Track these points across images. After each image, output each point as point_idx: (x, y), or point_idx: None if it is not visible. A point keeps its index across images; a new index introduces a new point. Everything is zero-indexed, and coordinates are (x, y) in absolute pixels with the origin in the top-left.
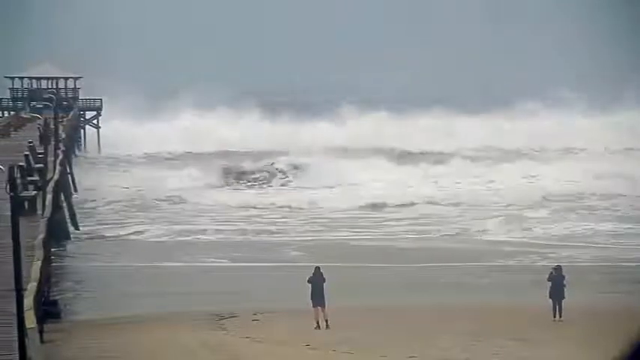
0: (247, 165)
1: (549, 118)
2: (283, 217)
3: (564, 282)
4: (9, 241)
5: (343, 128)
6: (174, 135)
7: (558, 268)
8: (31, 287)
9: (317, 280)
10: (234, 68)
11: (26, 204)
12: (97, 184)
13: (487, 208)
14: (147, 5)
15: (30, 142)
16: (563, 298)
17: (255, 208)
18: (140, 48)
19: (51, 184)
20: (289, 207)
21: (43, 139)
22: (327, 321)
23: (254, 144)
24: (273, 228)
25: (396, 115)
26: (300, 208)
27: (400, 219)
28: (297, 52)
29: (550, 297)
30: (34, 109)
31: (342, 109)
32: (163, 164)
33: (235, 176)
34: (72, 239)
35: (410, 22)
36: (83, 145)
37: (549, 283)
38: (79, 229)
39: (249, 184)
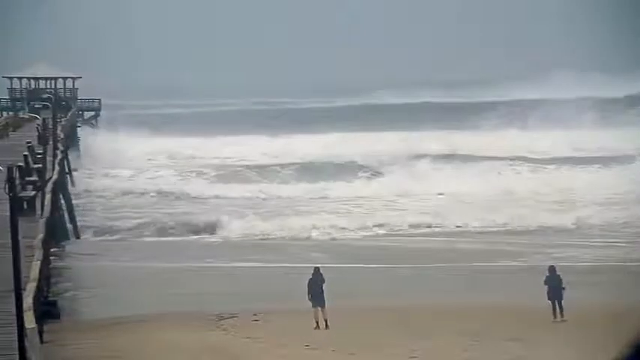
0: None
1: None
2: None
3: (562, 283)
4: (8, 241)
5: None
6: None
7: (552, 269)
8: (30, 287)
9: (317, 281)
10: None
11: (25, 204)
12: None
13: None
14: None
15: (29, 143)
16: (562, 298)
17: None
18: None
19: (50, 185)
20: None
21: (42, 139)
22: (326, 321)
23: None
24: None
25: None
26: None
27: None
28: None
29: (548, 299)
30: (32, 110)
31: None
32: None
33: None
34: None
35: None
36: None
37: (547, 285)
38: (79, 237)
39: None
